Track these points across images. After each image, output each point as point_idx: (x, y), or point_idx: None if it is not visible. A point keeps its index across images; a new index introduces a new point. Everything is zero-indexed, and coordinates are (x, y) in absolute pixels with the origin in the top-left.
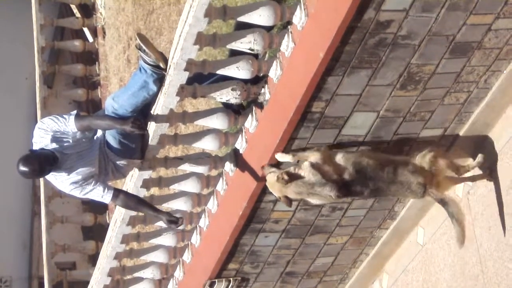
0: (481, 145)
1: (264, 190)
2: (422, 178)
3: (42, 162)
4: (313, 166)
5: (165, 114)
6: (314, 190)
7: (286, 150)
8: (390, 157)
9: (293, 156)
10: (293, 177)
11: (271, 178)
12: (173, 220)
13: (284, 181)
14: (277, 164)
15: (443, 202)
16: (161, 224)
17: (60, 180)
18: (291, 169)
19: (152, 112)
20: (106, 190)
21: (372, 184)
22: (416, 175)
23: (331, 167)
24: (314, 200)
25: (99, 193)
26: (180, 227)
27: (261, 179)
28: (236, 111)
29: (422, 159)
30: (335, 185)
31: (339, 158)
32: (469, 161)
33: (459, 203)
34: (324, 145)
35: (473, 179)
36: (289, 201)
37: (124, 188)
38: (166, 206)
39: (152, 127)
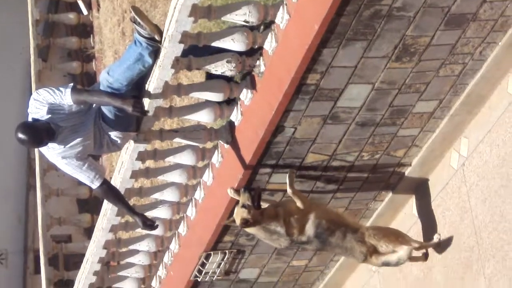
0: (420, 189)
1: (260, 162)
2: (365, 249)
3: (41, 133)
4: (284, 222)
5: (160, 86)
6: (271, 237)
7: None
8: (344, 220)
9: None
10: (255, 223)
11: (240, 212)
12: (148, 223)
13: (247, 225)
14: (247, 188)
15: (386, 264)
16: (157, 196)
17: (53, 153)
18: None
19: (147, 85)
20: (96, 176)
21: (321, 245)
22: (360, 244)
23: (296, 224)
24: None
25: (89, 177)
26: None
27: (256, 151)
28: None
29: (372, 236)
30: (289, 240)
31: (310, 220)
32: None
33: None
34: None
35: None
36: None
37: (120, 161)
38: (162, 179)
39: (147, 99)
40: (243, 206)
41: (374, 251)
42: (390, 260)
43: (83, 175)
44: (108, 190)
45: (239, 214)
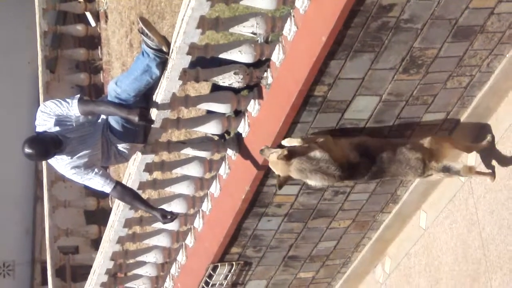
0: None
1: (267, 174)
2: (420, 154)
3: (48, 145)
4: (323, 144)
5: (167, 98)
6: (319, 166)
7: (291, 135)
8: (389, 140)
9: (301, 140)
10: (293, 154)
11: (273, 157)
12: (166, 216)
13: (284, 157)
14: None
15: (447, 169)
16: (165, 207)
17: (61, 164)
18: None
19: (154, 96)
20: (107, 180)
21: (374, 166)
22: (413, 151)
23: (338, 151)
24: (314, 181)
25: (100, 182)
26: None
27: (263, 163)
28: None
29: (425, 141)
30: (339, 167)
31: (344, 142)
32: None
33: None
34: (328, 133)
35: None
36: (283, 182)
37: (127, 172)
38: (169, 190)
39: (154, 111)
40: (271, 154)
41: (432, 155)
42: (452, 166)
43: (94, 182)
44: (123, 191)
45: (274, 163)
